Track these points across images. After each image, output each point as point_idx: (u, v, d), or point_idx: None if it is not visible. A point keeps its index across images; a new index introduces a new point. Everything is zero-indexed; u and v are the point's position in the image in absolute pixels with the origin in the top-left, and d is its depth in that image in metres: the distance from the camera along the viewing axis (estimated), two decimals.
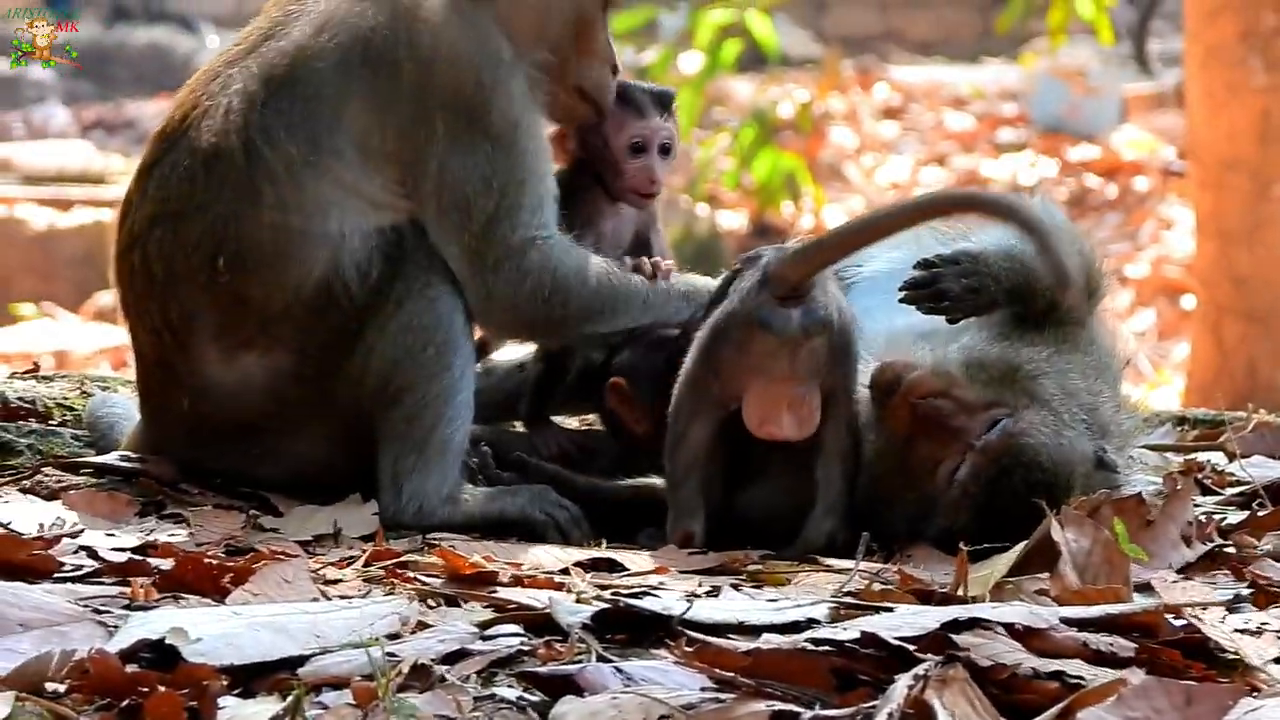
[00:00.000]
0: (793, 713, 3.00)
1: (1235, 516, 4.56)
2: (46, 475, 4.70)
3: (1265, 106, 12.02)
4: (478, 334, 4.73)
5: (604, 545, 4.42)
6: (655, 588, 3.85)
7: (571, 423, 5.19)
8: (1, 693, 3.00)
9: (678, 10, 18.23)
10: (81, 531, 4.17)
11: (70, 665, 3.11)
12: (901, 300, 4.49)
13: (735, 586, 3.95)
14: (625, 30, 17.26)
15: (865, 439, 4.40)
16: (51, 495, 4.54)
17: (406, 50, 4.52)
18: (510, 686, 3.15)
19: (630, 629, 3.42)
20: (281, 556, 3.97)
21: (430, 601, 3.68)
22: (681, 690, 3.08)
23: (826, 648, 3.22)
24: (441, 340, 4.55)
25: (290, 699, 3.01)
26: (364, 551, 4.16)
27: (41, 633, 3.31)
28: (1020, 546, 3.88)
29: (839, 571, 4.07)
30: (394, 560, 4.06)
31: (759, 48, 16.69)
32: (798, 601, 3.61)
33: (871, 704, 3.03)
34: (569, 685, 3.11)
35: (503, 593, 3.72)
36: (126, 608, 3.52)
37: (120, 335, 4.80)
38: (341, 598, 3.69)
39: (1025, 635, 3.28)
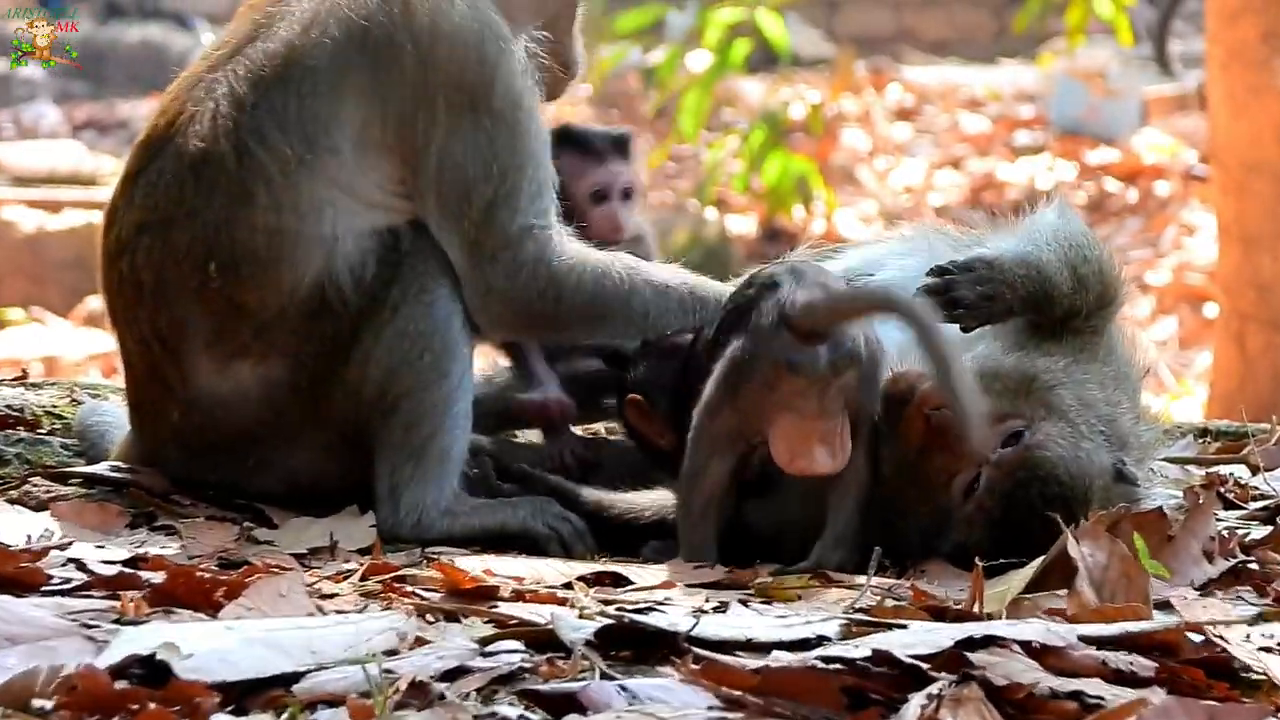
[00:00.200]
0: None
1: (1259, 531, 4.55)
2: (35, 485, 4.70)
3: None
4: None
5: (608, 559, 4.42)
6: (661, 603, 3.85)
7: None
8: None
9: (685, 9, 18.25)
10: (70, 543, 4.17)
11: (58, 681, 3.12)
12: None
13: (743, 602, 3.94)
14: (632, 30, 17.31)
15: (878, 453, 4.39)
16: (40, 506, 4.55)
17: (405, 34, 4.55)
18: (511, 705, 3.15)
19: (635, 646, 3.42)
20: (276, 570, 3.97)
21: (429, 617, 3.68)
22: (688, 709, 3.08)
23: (837, 666, 3.22)
24: (439, 347, 4.56)
25: (285, 717, 3.01)
26: (361, 565, 4.16)
27: (28, 648, 3.31)
28: (1037, 562, 3.88)
29: (850, 587, 4.07)
30: (391, 574, 4.06)
31: (769, 47, 16.70)
32: (808, 618, 3.60)
33: None
34: (572, 704, 3.11)
35: (504, 608, 3.71)
36: (116, 622, 3.52)
37: (111, 341, 4.81)
38: (338, 612, 3.69)
39: (1042, 653, 3.28)
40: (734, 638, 3.44)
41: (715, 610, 3.82)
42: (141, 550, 4.20)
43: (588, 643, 3.37)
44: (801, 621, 3.56)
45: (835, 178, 19.24)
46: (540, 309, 4.64)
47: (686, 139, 17.57)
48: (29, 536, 4.23)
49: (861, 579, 4.02)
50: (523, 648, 3.38)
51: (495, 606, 3.74)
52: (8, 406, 5.32)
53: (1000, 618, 3.62)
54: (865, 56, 23.40)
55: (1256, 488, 5.05)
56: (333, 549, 4.39)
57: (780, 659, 3.29)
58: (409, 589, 3.93)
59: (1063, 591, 3.75)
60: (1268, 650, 3.54)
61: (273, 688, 3.18)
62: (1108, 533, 3.86)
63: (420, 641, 3.43)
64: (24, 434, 5.12)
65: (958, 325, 4.47)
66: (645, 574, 4.20)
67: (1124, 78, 21.96)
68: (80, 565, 3.97)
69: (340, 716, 3.05)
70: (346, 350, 4.54)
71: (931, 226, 4.97)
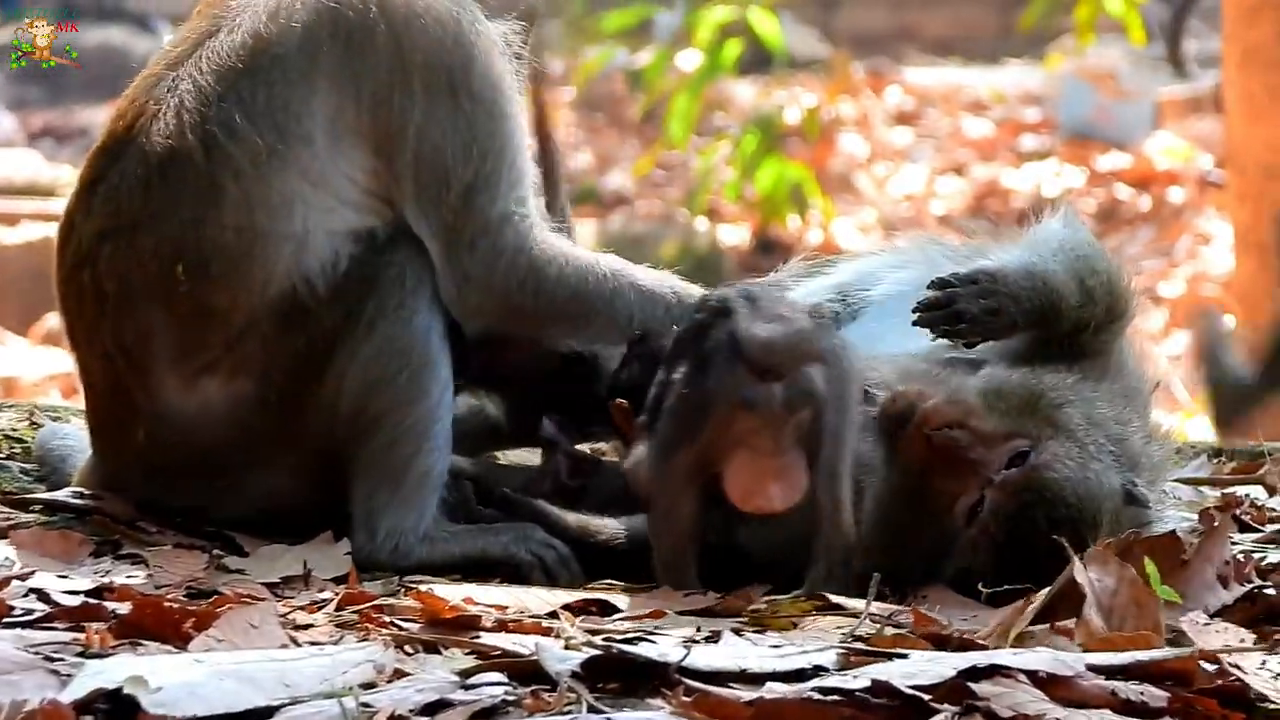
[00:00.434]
0: None
1: (1276, 555, 4.57)
2: None
3: None
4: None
5: (595, 586, 4.43)
6: (650, 632, 3.87)
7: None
8: None
9: (674, 8, 18.26)
10: (32, 573, 4.18)
11: (21, 717, 3.13)
12: (915, 323, 4.50)
13: (736, 631, 3.96)
14: (618, 30, 17.33)
15: (875, 475, 4.41)
16: None
17: (379, 14, 4.59)
18: None
19: (623, 677, 3.43)
20: (247, 600, 3.98)
21: (407, 648, 3.70)
22: None
23: (835, 697, 3.24)
24: (418, 364, 4.57)
25: None
26: (336, 594, 4.18)
27: None
28: (1044, 594, 3.87)
29: (848, 614, 4.09)
30: (368, 603, 4.08)
31: (762, 47, 16.74)
32: (804, 647, 3.62)
33: None
34: None
35: (486, 638, 3.73)
36: (81, 655, 3.53)
37: (72, 361, 4.81)
38: (312, 644, 3.71)
39: (1049, 683, 3.30)
40: (727, 668, 3.45)
41: (707, 640, 3.84)
42: (106, 580, 4.21)
43: (574, 674, 3.38)
44: (797, 651, 3.57)
45: (832, 185, 19.25)
46: (519, 301, 4.66)
47: (675, 145, 17.59)
48: None
49: (860, 604, 4.04)
50: (506, 680, 3.39)
51: (477, 637, 3.75)
52: None
53: (1005, 647, 3.64)
54: (863, 57, 23.41)
55: (1274, 509, 5.07)
56: (306, 577, 4.40)
57: (775, 690, 3.30)
58: (386, 619, 3.94)
59: (1071, 620, 3.76)
60: None
61: None
62: (1117, 557, 3.87)
63: (399, 674, 3.45)
64: None
65: (960, 341, 4.49)
66: (634, 601, 4.22)
67: (1135, 78, 21.98)
68: (43, 596, 3.98)
69: None
70: (320, 366, 4.55)
71: (929, 237, 4.99)
